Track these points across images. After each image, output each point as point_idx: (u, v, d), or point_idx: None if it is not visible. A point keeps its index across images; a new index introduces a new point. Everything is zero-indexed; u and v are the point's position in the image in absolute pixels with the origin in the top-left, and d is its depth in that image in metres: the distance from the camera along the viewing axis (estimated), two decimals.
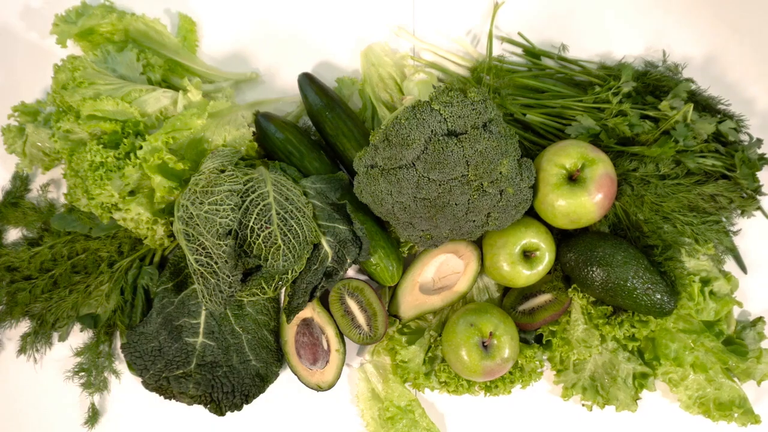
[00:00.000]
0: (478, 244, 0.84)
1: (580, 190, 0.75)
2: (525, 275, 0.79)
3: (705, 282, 0.79)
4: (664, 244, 0.78)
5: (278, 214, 0.75)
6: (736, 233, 0.84)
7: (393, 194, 0.74)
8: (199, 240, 0.74)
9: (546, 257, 0.79)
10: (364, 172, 0.76)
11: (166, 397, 0.82)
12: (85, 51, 0.89)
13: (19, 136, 0.86)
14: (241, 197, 0.74)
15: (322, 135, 0.88)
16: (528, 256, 0.80)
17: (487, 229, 0.78)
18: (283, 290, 0.85)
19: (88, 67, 0.82)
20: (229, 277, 0.73)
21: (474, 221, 0.76)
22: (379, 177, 0.74)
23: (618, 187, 0.79)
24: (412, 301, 0.84)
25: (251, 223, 0.74)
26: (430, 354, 0.83)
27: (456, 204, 0.74)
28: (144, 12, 0.91)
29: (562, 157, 0.76)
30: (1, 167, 0.92)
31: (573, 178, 0.76)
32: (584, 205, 0.75)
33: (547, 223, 0.81)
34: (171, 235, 0.83)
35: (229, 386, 0.81)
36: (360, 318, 0.82)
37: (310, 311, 0.83)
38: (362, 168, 0.76)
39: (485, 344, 0.77)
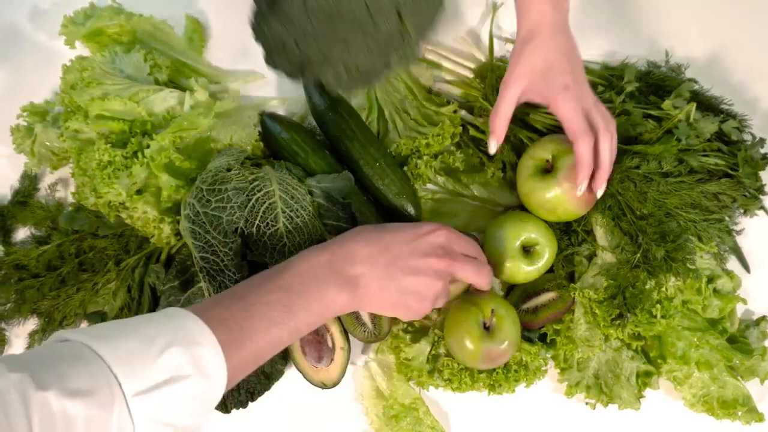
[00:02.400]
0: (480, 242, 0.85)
1: (550, 180, 0.77)
2: (525, 270, 0.80)
3: (709, 280, 0.79)
4: (670, 239, 0.79)
5: (284, 212, 0.76)
6: (739, 232, 0.84)
7: (285, 25, 0.66)
8: (205, 238, 0.74)
9: (546, 253, 0.80)
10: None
11: None
12: (93, 52, 0.90)
13: (27, 136, 0.87)
14: (247, 196, 0.75)
15: (326, 135, 0.89)
16: (528, 251, 0.80)
17: (409, 34, 0.67)
18: None
19: (96, 67, 0.83)
20: (235, 275, 0.74)
21: (385, 23, 0.66)
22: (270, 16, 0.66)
23: (621, 183, 0.79)
24: None
25: (257, 221, 0.74)
26: (433, 352, 0.83)
27: (353, 5, 0.64)
28: (151, 13, 0.92)
29: (538, 150, 0.79)
30: (10, 167, 0.93)
31: (547, 170, 0.79)
32: (555, 194, 0.77)
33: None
34: (177, 234, 0.83)
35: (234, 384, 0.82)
36: (364, 316, 0.83)
37: None
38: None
39: (486, 326, 0.77)
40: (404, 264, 0.64)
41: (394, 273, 0.64)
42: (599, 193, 0.76)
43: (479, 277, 0.69)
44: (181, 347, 0.52)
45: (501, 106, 0.75)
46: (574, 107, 0.72)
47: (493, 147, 0.77)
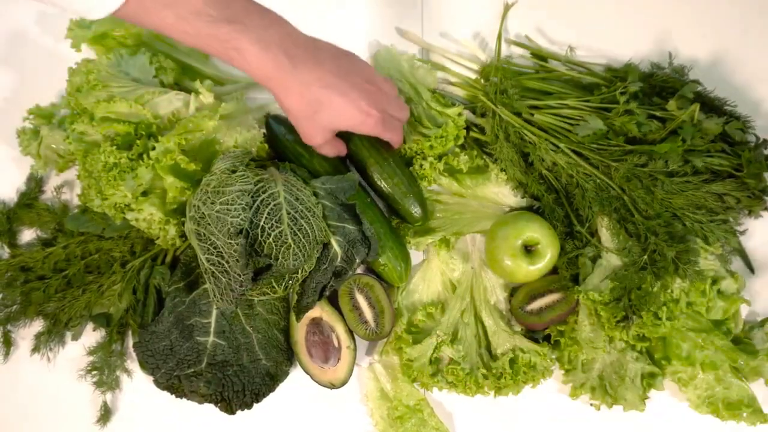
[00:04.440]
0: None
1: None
2: (525, 269, 0.81)
3: (713, 281, 0.79)
4: (677, 240, 0.78)
5: (288, 213, 0.76)
6: (743, 233, 0.84)
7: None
8: (210, 239, 0.75)
9: (548, 253, 0.80)
10: None
11: (177, 396, 0.82)
12: (99, 55, 0.90)
13: (34, 139, 0.88)
14: (252, 197, 0.75)
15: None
16: (529, 250, 0.81)
17: None
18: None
19: (102, 70, 0.84)
20: (240, 276, 0.74)
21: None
22: None
23: (628, 182, 0.79)
24: None
25: (262, 223, 0.75)
26: (435, 354, 0.83)
27: None
28: None
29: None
30: (16, 169, 0.93)
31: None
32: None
33: (550, 221, 0.83)
34: (183, 235, 0.84)
35: (239, 385, 0.82)
36: (367, 314, 0.83)
37: (319, 311, 0.84)
38: None
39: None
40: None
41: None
42: None
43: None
44: None
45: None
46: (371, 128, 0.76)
47: None
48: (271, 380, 0.83)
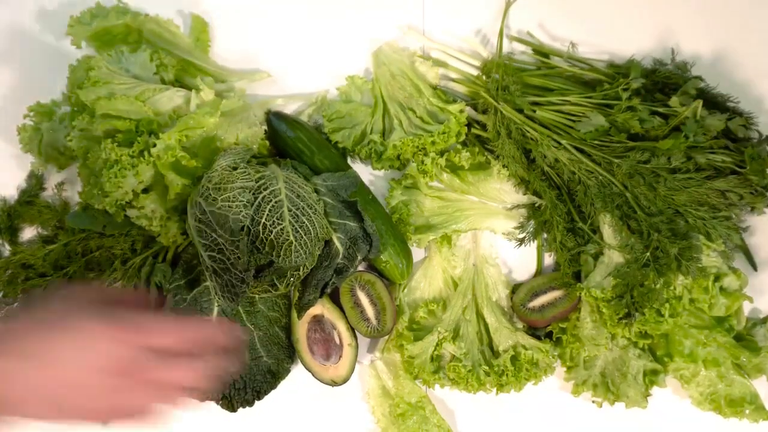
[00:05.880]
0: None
1: None
2: None
3: (716, 278, 0.79)
4: (680, 237, 0.78)
5: (290, 210, 0.76)
6: (745, 230, 0.84)
7: None
8: (212, 236, 0.75)
9: None
10: None
11: None
12: (100, 51, 0.90)
13: (34, 136, 0.88)
14: (254, 194, 0.75)
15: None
16: None
17: None
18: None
19: (102, 67, 0.84)
20: (241, 273, 0.74)
21: None
22: None
23: (630, 178, 0.79)
24: None
25: (263, 220, 0.74)
26: (437, 351, 0.83)
27: None
28: (157, 13, 0.92)
29: None
30: (17, 166, 0.93)
31: None
32: None
33: (552, 218, 0.81)
34: (184, 233, 0.83)
35: (240, 383, 0.82)
36: (369, 311, 0.83)
37: (320, 308, 0.84)
38: None
39: None
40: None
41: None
42: None
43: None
44: None
45: None
46: None
47: None
48: (272, 377, 0.83)
